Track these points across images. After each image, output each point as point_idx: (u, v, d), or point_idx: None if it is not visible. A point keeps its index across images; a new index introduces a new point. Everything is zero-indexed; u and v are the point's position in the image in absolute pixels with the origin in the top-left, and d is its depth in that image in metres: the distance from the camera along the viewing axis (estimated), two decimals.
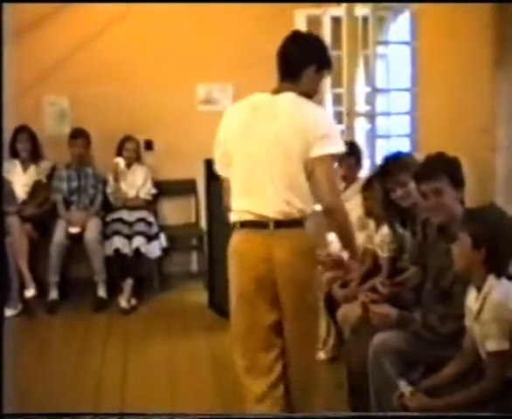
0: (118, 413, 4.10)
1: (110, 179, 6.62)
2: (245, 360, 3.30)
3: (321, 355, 4.88)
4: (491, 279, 2.94)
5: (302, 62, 3.31)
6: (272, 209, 3.13)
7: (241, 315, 3.28)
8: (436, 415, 2.96)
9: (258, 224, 3.16)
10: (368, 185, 4.55)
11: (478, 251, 2.93)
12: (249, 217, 3.19)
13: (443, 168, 3.40)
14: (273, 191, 3.13)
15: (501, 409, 2.82)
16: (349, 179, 5.14)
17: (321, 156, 3.11)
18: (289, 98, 3.25)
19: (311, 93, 3.35)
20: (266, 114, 3.24)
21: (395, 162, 4.11)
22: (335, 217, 3.20)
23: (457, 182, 3.40)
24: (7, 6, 6.10)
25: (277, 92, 3.30)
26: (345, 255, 4.98)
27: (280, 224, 3.12)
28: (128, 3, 6.56)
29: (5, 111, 6.16)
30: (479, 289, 2.98)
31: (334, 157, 3.21)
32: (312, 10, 6.92)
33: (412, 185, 3.93)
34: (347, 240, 3.38)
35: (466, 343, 3.11)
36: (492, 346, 2.88)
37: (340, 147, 3.20)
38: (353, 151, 5.19)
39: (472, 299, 3.03)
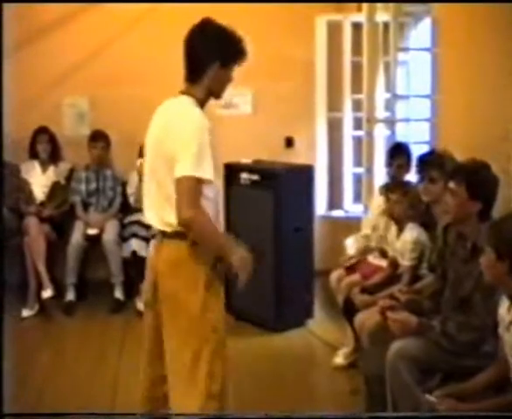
0: (129, 413, 4.08)
1: (135, 179, 6.26)
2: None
3: (339, 361, 4.85)
4: None
5: (205, 59, 3.10)
6: (157, 221, 3.07)
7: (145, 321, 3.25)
8: (438, 415, 2.93)
9: (156, 234, 3.17)
10: (394, 188, 4.53)
11: (502, 263, 2.88)
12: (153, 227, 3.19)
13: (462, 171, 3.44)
14: (156, 203, 3.06)
15: None
16: (398, 179, 5.00)
17: (181, 177, 2.89)
18: (176, 105, 3.11)
19: (216, 91, 3.16)
20: (156, 123, 3.15)
21: (421, 160, 4.32)
22: (189, 230, 2.94)
23: (473, 189, 3.37)
24: (27, 7, 6.21)
25: (179, 94, 3.14)
26: (371, 258, 4.99)
27: (164, 235, 3.05)
28: (148, 3, 6.56)
29: (25, 112, 6.23)
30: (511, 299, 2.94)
31: (192, 178, 2.91)
32: (333, 15, 6.91)
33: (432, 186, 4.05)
34: (210, 246, 3.02)
35: (500, 352, 3.06)
36: None
37: (200, 173, 2.94)
38: (402, 151, 5.17)
39: (504, 309, 2.99)
